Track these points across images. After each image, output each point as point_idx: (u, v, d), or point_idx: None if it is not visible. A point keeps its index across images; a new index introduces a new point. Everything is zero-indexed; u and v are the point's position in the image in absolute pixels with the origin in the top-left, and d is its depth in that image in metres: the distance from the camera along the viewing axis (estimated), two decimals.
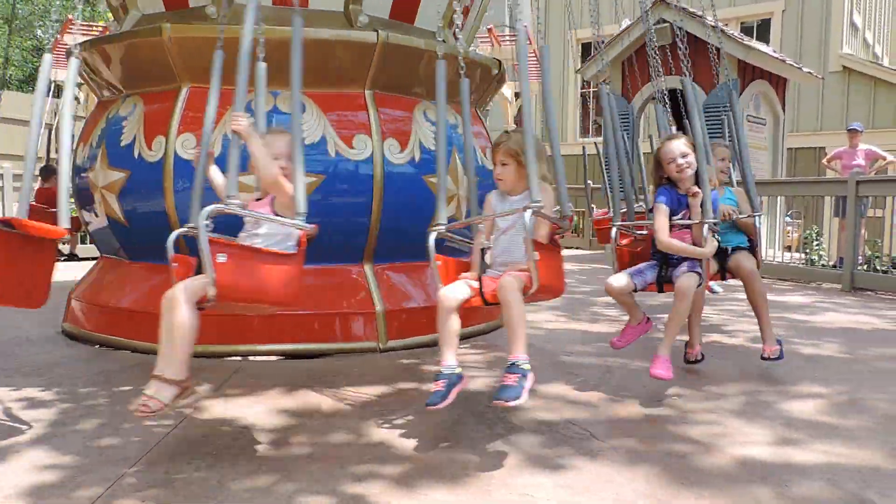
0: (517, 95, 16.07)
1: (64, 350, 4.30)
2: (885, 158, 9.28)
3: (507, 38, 14.22)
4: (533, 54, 14.20)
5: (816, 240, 8.86)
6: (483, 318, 4.84)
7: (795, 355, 4.29)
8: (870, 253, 7.86)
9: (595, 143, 8.38)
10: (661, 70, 4.81)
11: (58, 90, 12.42)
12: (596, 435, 2.83)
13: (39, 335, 4.66)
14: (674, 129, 4.79)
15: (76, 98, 13.23)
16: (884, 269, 7.52)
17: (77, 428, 2.87)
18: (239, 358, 4.04)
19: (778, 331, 4.99)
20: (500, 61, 5.29)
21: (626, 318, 3.80)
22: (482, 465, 2.51)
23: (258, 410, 3.12)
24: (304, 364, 3.96)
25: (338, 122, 4.26)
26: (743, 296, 5.15)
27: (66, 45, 10.05)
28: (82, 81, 5.34)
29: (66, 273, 7.76)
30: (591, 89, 17.00)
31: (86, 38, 4.71)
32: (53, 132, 10.74)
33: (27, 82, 24.12)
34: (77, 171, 4.81)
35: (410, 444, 2.73)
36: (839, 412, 3.17)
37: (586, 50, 17.05)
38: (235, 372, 3.76)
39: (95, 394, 3.34)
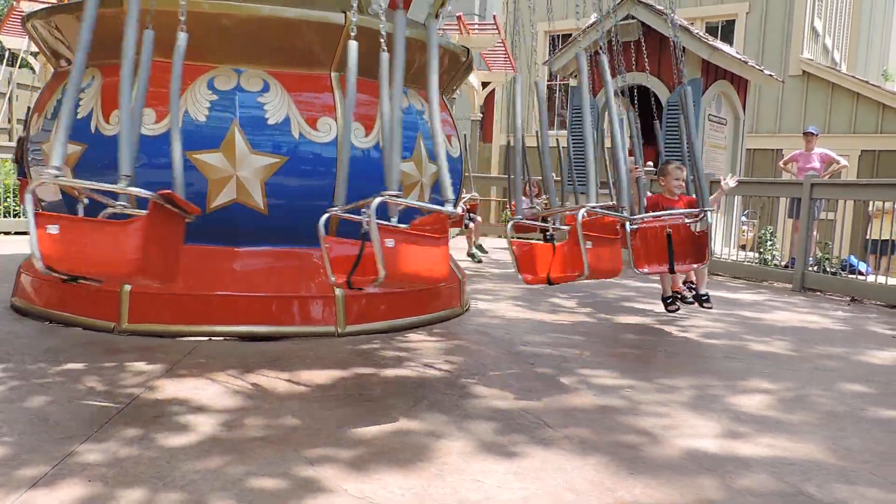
0: (484, 84, 16.09)
1: (12, 325, 4.19)
2: (839, 163, 9.51)
3: (476, 27, 14.21)
4: (501, 44, 14.23)
5: (770, 240, 9.06)
6: (442, 305, 4.86)
7: (745, 351, 4.40)
8: (820, 254, 8.06)
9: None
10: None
11: (13, 58, 12.05)
12: (549, 424, 2.86)
13: None
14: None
15: (30, 67, 12.87)
16: (833, 270, 7.73)
17: (23, 405, 2.80)
18: (193, 338, 3.99)
19: (729, 327, 5.12)
20: (468, 49, 5.28)
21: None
22: (436, 451, 2.53)
23: (211, 392, 3.08)
24: (261, 346, 3.93)
25: (302, 104, 4.21)
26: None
27: (21, 12, 9.74)
28: (38, 50, 5.19)
29: (16, 247, 7.56)
30: (558, 82, 17.07)
31: (43, 6, 4.58)
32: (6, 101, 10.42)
33: None
34: (31, 142, 4.68)
35: (365, 428, 2.73)
36: (785, 408, 3.26)
37: (553, 43, 17.12)
38: (189, 353, 3.71)
39: (44, 370, 3.27)
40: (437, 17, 5.18)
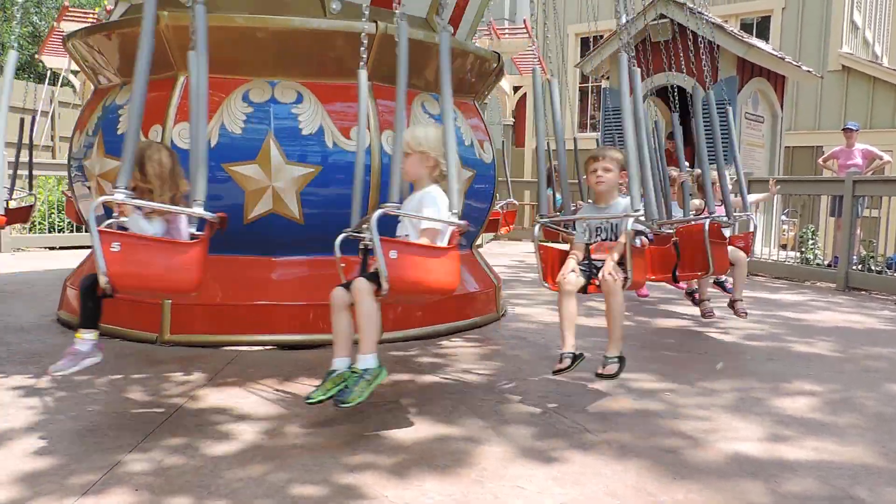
0: (516, 89, 16.06)
1: (58, 338, 4.29)
2: (882, 158, 9.28)
3: (507, 31, 14.21)
4: (532, 46, 14.19)
5: (812, 239, 8.87)
6: (478, 311, 4.85)
7: (788, 353, 4.31)
8: (865, 253, 7.87)
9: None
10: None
11: (54, 77, 12.38)
12: (588, 428, 2.84)
13: (34, 323, 4.65)
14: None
15: (71, 85, 13.23)
16: (878, 269, 7.54)
17: (71, 415, 2.87)
18: (233, 348, 4.04)
19: (771, 329, 5.03)
20: (499, 54, 5.28)
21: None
22: (475, 457, 2.52)
23: (252, 400, 3.12)
24: (298, 355, 3.97)
25: (335, 113, 4.24)
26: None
27: (62, 32, 10.02)
28: (78, 69, 5.33)
29: (63, 261, 7.76)
30: (590, 84, 16.96)
31: (82, 26, 4.71)
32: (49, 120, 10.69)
33: (22, 69, 24.00)
34: (73, 158, 4.81)
35: (404, 434, 2.74)
36: (830, 410, 3.19)
37: (585, 45, 17.01)
38: (230, 362, 3.77)
39: (90, 382, 3.34)
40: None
